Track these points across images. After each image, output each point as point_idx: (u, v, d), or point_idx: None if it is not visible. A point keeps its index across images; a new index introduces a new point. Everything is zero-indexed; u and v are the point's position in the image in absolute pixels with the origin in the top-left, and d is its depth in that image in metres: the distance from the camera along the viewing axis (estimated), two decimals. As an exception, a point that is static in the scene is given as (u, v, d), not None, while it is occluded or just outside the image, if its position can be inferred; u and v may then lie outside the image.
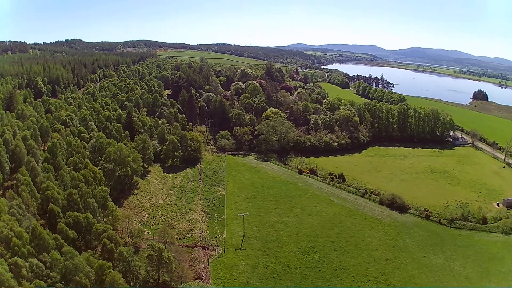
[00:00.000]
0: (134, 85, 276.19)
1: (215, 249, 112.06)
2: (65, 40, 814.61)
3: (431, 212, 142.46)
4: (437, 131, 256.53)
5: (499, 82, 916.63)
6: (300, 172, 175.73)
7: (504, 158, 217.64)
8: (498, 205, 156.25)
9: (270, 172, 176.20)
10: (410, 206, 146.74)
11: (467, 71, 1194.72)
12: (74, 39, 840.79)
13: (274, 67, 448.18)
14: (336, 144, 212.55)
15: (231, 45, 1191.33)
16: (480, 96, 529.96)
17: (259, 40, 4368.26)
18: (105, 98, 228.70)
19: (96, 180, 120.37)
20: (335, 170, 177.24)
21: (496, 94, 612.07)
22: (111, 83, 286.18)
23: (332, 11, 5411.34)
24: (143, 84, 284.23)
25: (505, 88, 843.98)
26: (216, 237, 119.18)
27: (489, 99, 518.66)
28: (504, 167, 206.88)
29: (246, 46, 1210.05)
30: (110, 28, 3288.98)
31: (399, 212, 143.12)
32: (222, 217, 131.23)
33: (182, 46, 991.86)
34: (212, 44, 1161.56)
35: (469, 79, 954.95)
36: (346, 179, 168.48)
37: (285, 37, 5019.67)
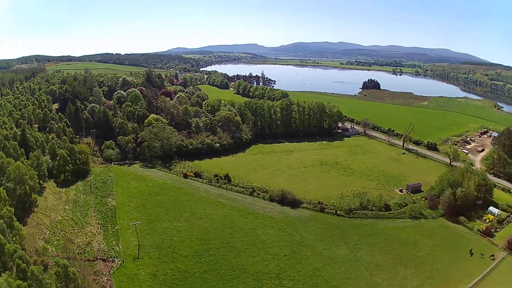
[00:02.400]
0: (27, 101, 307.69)
1: (115, 261, 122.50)
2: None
3: (326, 205, 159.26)
4: (324, 124, 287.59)
5: (393, 69, 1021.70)
6: (186, 176, 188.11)
7: (403, 144, 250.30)
8: (401, 191, 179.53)
9: (156, 178, 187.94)
10: (302, 201, 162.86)
11: (355, 61, 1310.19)
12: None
13: (154, 73, 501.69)
14: (219, 145, 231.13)
15: (113, 54, 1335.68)
16: (371, 85, 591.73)
17: (139, 47, 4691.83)
18: (2, 117, 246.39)
19: (1, 200, 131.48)
20: (220, 171, 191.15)
21: (390, 81, 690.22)
22: (7, 101, 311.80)
23: (209, 13, 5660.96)
24: (34, 100, 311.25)
25: (400, 75, 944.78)
26: (113, 248, 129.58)
27: (381, 87, 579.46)
28: (403, 153, 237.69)
29: (127, 54, 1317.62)
30: (7, 44, 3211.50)
31: (291, 207, 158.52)
32: (116, 227, 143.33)
33: (68, 59, 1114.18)
34: (95, 54, 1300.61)
35: (358, 69, 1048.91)
36: (232, 179, 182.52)
37: (164, 42, 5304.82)
